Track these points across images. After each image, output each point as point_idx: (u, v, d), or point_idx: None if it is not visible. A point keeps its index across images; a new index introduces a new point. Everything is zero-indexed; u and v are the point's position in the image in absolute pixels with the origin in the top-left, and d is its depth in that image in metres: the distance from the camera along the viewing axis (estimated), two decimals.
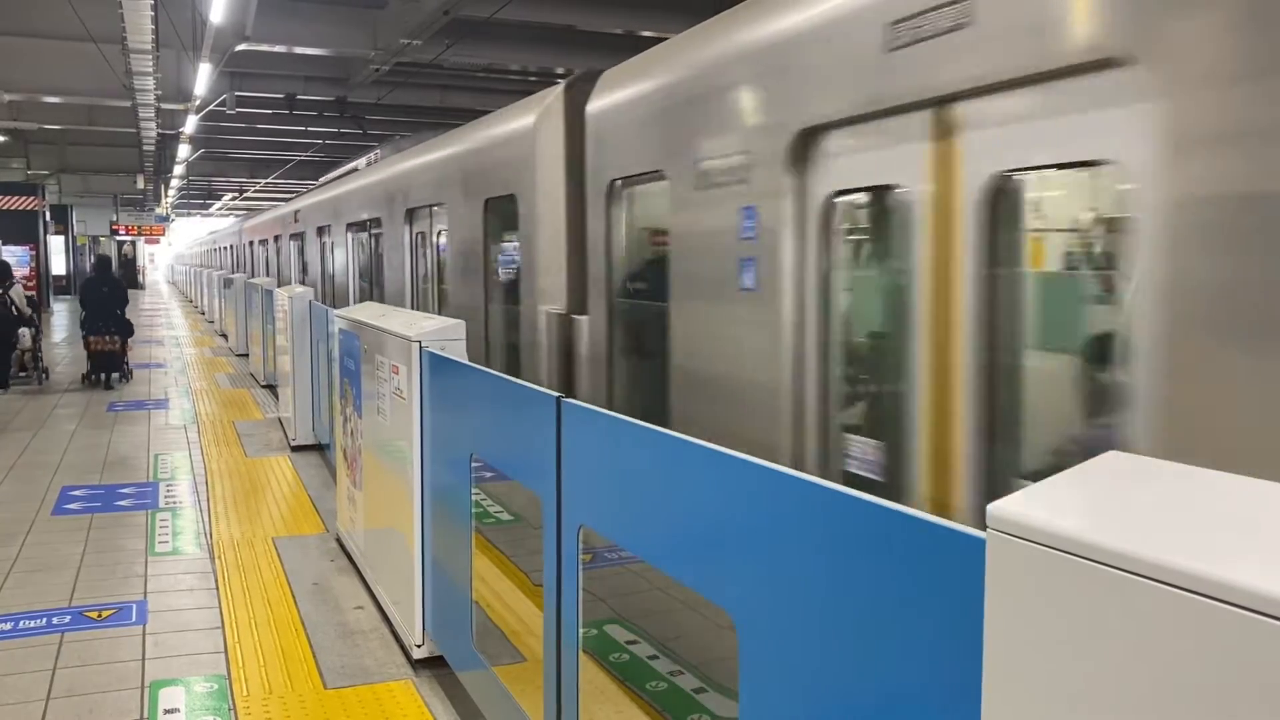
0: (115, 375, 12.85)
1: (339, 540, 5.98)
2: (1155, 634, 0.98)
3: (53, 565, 5.59)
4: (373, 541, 5.11)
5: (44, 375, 13.15)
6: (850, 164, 3.14)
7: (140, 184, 28.99)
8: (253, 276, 18.07)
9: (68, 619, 4.80)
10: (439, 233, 7.99)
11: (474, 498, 3.68)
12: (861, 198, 3.20)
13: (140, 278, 45.92)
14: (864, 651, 1.56)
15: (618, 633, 4.33)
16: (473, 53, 13.27)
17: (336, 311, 6.40)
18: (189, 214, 53.39)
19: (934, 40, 2.66)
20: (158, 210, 40.93)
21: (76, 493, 7.24)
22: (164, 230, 43.93)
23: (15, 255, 22.11)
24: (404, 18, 11.92)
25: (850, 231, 3.26)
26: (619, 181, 4.71)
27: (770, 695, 1.80)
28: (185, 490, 7.34)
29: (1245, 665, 0.91)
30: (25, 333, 12.75)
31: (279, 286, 11.28)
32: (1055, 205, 2.66)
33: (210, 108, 15.72)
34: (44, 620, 4.78)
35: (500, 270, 6.46)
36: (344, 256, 11.96)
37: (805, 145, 3.28)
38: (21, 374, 12.89)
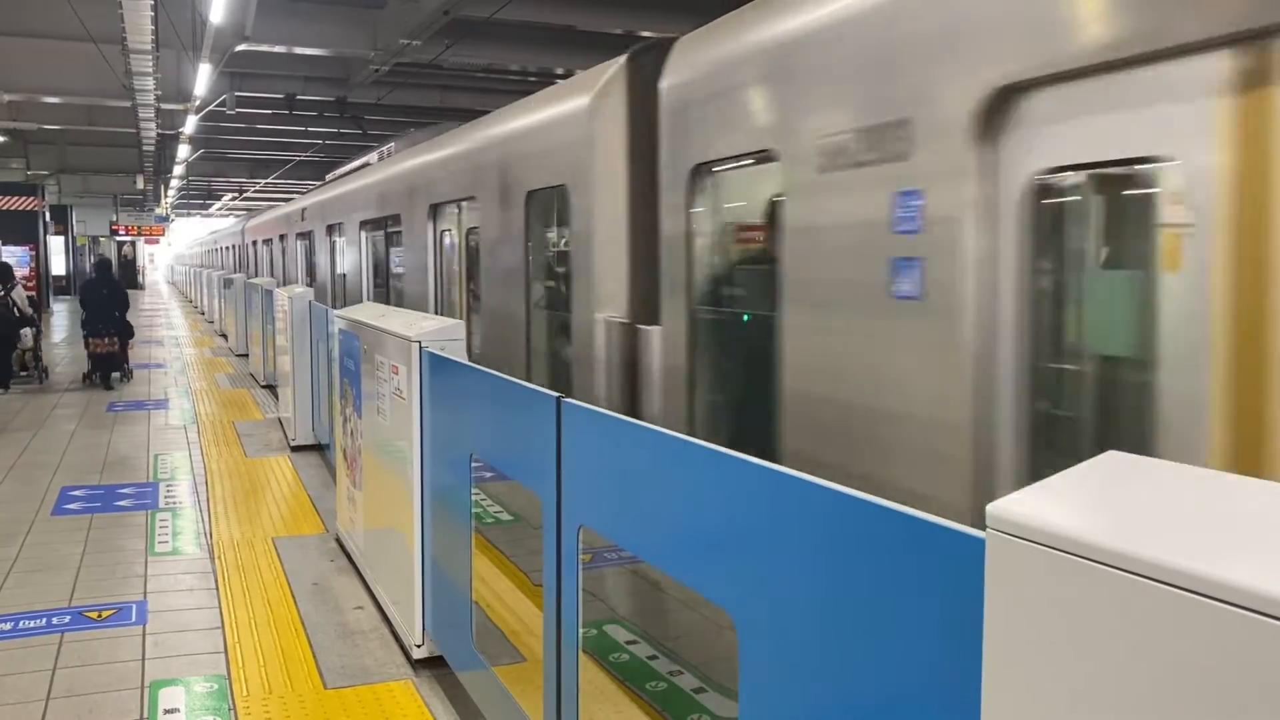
0: (115, 375, 12.88)
1: (339, 540, 5.98)
2: (1155, 634, 0.98)
3: (52, 565, 5.59)
4: (373, 541, 5.11)
5: (44, 375, 13.20)
6: (1081, 130, 2.36)
7: (140, 184, 28.97)
8: (256, 277, 17.88)
9: (67, 619, 4.80)
10: (469, 230, 7.27)
11: (474, 498, 3.69)
12: (1089, 175, 2.45)
13: (140, 278, 45.94)
14: (864, 651, 1.56)
15: (618, 633, 4.34)
16: (472, 53, 13.28)
17: (336, 311, 6.38)
18: (189, 214, 53.38)
19: None
20: (157, 210, 40.93)
21: (76, 493, 7.24)
22: (164, 230, 43.92)
23: (15, 255, 22.08)
24: (404, 18, 11.91)
25: (1074, 221, 2.54)
26: (706, 166, 3.97)
27: (770, 695, 1.80)
28: (185, 490, 7.33)
29: (1245, 665, 0.90)
30: (27, 332, 12.80)
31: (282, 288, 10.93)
32: None
33: (210, 108, 15.72)
34: (44, 620, 4.78)
35: (545, 272, 5.82)
36: (356, 257, 10.99)
37: (1004, 107, 2.52)
38: (22, 373, 12.94)
